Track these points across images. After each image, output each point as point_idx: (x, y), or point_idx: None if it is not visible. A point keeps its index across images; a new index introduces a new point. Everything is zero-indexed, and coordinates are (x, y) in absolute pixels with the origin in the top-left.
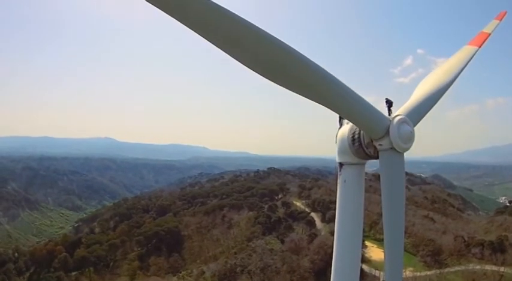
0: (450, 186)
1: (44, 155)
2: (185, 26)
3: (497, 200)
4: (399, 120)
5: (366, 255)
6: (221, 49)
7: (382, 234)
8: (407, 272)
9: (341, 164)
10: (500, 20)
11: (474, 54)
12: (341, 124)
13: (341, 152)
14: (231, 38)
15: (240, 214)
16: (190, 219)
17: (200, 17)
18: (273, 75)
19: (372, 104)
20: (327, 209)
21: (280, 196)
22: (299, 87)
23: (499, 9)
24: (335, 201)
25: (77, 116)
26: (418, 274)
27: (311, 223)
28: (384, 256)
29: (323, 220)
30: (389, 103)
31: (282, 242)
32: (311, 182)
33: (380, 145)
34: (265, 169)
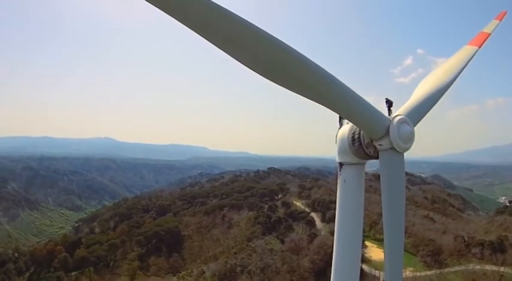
0: (450, 186)
1: (44, 155)
2: (185, 26)
3: (497, 200)
4: (399, 120)
5: (366, 255)
6: (221, 49)
7: (382, 234)
8: (407, 272)
9: (341, 164)
10: (500, 20)
11: (474, 54)
12: (341, 124)
13: (341, 152)
14: (231, 38)
15: (240, 214)
16: (190, 219)
17: (200, 17)
18: (273, 75)
19: (371, 104)
20: (327, 209)
21: (280, 196)
22: (299, 87)
23: (499, 9)
24: (335, 201)
25: (77, 116)
26: (418, 274)
27: (311, 223)
28: (384, 256)
29: (323, 220)
30: (389, 103)
31: (282, 242)
32: (311, 182)
33: (380, 144)
34: (265, 169)
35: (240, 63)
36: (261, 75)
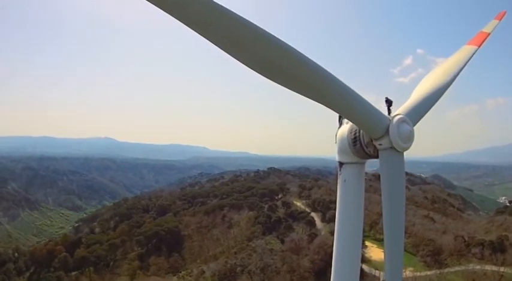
0: (450, 186)
1: (44, 155)
2: (185, 26)
3: (497, 200)
4: (399, 119)
5: (366, 255)
6: (221, 48)
7: (382, 234)
8: (407, 272)
9: (341, 164)
10: (500, 19)
11: (474, 54)
12: (341, 123)
13: (341, 151)
14: (231, 37)
15: (240, 213)
16: (190, 219)
17: (200, 16)
18: (273, 74)
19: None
20: (327, 209)
21: (280, 196)
22: (299, 86)
23: (499, 9)
24: (335, 201)
25: (77, 116)
26: (418, 274)
27: (311, 223)
28: (384, 256)
29: (323, 220)
30: (389, 102)
31: (282, 242)
32: (311, 182)
33: (380, 144)
34: (265, 169)
35: (239, 63)
36: (261, 74)
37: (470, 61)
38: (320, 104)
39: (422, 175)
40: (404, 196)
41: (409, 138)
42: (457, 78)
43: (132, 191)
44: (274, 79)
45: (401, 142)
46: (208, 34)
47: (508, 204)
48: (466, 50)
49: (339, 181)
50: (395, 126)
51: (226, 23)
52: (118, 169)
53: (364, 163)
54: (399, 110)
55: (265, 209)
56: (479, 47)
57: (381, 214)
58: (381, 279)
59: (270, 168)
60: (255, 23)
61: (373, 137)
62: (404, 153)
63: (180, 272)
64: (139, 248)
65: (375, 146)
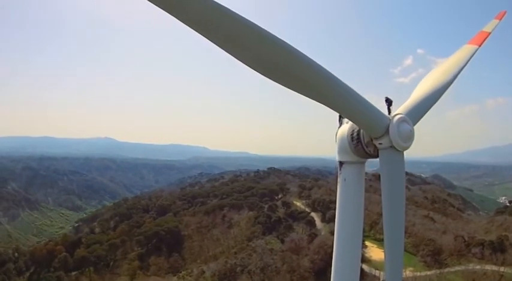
0: (450, 186)
1: (44, 155)
2: (185, 26)
3: (497, 200)
4: (399, 119)
5: (366, 255)
6: (222, 48)
7: (382, 234)
8: (408, 272)
9: (341, 163)
10: (500, 19)
11: (474, 54)
12: (341, 123)
13: (341, 151)
14: (232, 37)
15: (240, 213)
16: (191, 219)
17: (201, 16)
18: (273, 74)
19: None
20: (327, 209)
21: (280, 196)
22: (299, 86)
23: (499, 9)
24: (335, 201)
25: (77, 116)
26: (418, 274)
27: (311, 223)
28: (384, 256)
29: (323, 220)
30: (389, 102)
31: (282, 242)
32: (311, 182)
33: (380, 143)
34: (265, 169)
35: (240, 63)
36: (262, 74)
37: (470, 61)
38: (320, 104)
39: (422, 175)
40: (405, 195)
41: (409, 138)
42: (457, 78)
43: (132, 191)
44: (275, 79)
45: (402, 141)
46: (210, 34)
47: (508, 204)
48: (466, 49)
49: (339, 180)
50: (395, 126)
51: (228, 23)
52: (118, 169)
53: (364, 163)
54: (399, 110)
55: (265, 209)
56: (479, 46)
57: (381, 214)
58: (381, 279)
59: (270, 168)
60: (255, 23)
61: (373, 136)
62: (404, 153)
63: (180, 272)
64: (139, 248)
65: (375, 146)
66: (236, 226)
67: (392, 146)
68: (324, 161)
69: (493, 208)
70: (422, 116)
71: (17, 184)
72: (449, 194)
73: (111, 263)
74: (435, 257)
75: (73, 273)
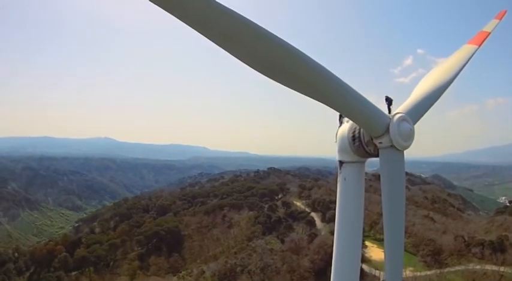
0: (450, 186)
1: (44, 155)
2: (185, 26)
3: (497, 200)
4: (399, 118)
5: (366, 255)
6: (221, 47)
7: (382, 234)
8: (408, 272)
9: (341, 162)
10: (500, 19)
11: (474, 53)
12: (341, 122)
13: (341, 150)
14: (231, 35)
15: (240, 213)
16: (191, 219)
17: (200, 15)
18: (273, 72)
19: None
20: (327, 209)
21: (280, 196)
22: (299, 84)
23: (499, 9)
24: (335, 201)
25: (77, 116)
26: (418, 273)
27: (311, 223)
28: (384, 256)
29: (323, 220)
30: (389, 101)
31: (282, 242)
32: (311, 182)
33: (380, 142)
34: (265, 169)
35: (240, 63)
36: (261, 72)
37: (470, 60)
38: (320, 103)
39: (422, 175)
40: (405, 195)
41: (409, 137)
42: (457, 78)
43: (132, 191)
44: (275, 78)
45: (402, 140)
46: (209, 33)
47: (508, 204)
48: (466, 49)
49: (339, 179)
50: (395, 125)
51: (226, 21)
52: (118, 169)
53: (364, 162)
54: (399, 109)
55: (265, 209)
56: (479, 46)
57: (381, 214)
58: (381, 279)
59: (270, 168)
60: (252, 21)
61: (373, 135)
62: (404, 153)
63: (180, 272)
64: (139, 248)
65: (375, 145)
66: (236, 226)
67: (392, 145)
68: (324, 161)
69: (493, 208)
70: (422, 115)
71: (17, 184)
72: (449, 194)
73: (111, 263)
74: (435, 257)
75: (73, 273)
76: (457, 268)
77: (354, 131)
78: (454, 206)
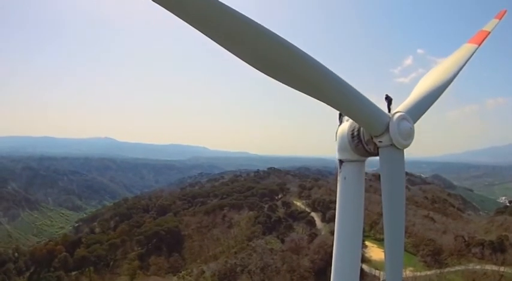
0: (450, 186)
1: (44, 155)
2: (185, 26)
3: (497, 200)
4: (399, 117)
5: (366, 255)
6: (221, 45)
7: (382, 234)
8: (408, 272)
9: (341, 161)
10: (500, 19)
11: (474, 52)
12: (341, 121)
13: (341, 149)
14: (232, 34)
15: (240, 213)
16: (191, 219)
17: (200, 13)
18: (273, 71)
19: None
20: (327, 209)
21: (280, 196)
22: (299, 83)
23: (499, 9)
24: (335, 201)
25: (77, 116)
26: (418, 273)
27: (311, 223)
28: (384, 256)
29: (323, 220)
30: (388, 100)
31: (282, 242)
32: (311, 182)
33: (380, 141)
34: (265, 169)
35: (240, 63)
36: (261, 71)
37: (470, 60)
38: (320, 102)
39: (422, 175)
40: (405, 194)
41: (409, 136)
42: (457, 78)
43: (132, 191)
44: (275, 76)
45: (402, 139)
46: (209, 32)
47: (508, 204)
48: (466, 48)
49: (338, 178)
50: (395, 124)
51: (227, 20)
52: (118, 169)
53: (364, 161)
54: (399, 108)
55: (265, 209)
56: (479, 45)
57: (381, 214)
58: (381, 279)
59: (270, 168)
60: (253, 19)
61: (373, 134)
62: (404, 153)
63: (180, 272)
64: (139, 248)
65: (375, 144)
66: (236, 226)
67: (392, 144)
68: (324, 161)
69: (493, 208)
70: (422, 114)
71: (17, 184)
72: (449, 194)
73: (111, 263)
74: (435, 257)
75: (73, 273)
76: (457, 268)
77: (354, 130)
78: (454, 206)
